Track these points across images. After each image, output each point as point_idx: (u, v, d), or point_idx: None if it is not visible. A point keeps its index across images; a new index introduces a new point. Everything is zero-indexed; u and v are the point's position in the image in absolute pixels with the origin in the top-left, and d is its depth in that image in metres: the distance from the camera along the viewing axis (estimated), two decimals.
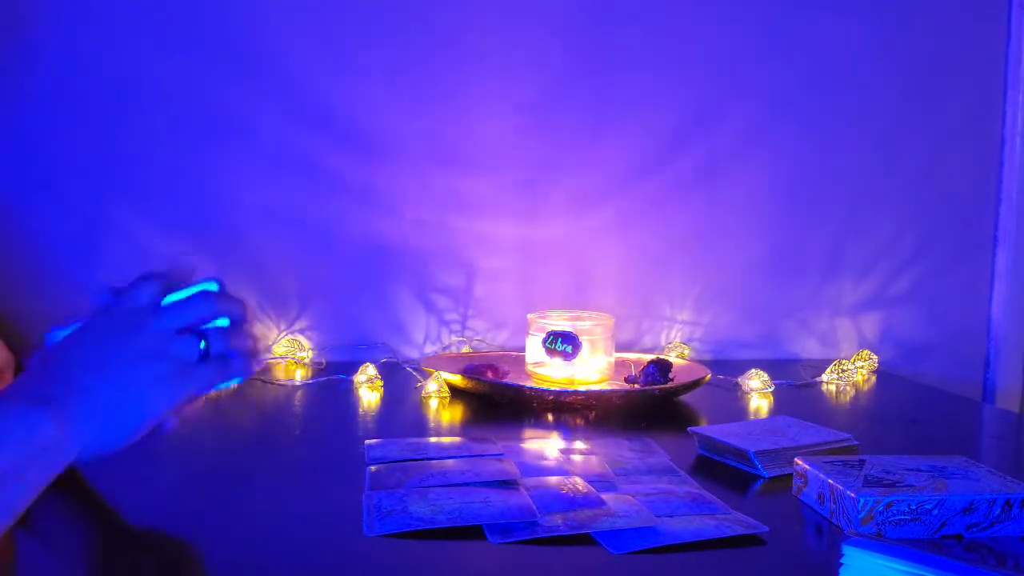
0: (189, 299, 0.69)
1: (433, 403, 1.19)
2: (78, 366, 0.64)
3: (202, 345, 0.68)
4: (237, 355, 0.70)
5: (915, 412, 1.25)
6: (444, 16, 1.42)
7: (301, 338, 1.42)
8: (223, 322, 0.71)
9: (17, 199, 1.35)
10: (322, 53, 1.40)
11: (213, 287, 0.71)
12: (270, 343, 1.42)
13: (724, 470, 0.91)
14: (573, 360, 1.21)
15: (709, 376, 1.23)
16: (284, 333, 1.42)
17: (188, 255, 1.36)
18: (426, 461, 0.89)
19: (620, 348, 1.35)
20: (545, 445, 0.98)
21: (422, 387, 1.22)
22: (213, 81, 1.37)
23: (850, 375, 1.39)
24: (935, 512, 0.73)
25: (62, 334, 0.68)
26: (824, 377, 1.37)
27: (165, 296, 0.69)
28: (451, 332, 1.47)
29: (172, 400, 0.66)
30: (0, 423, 0.58)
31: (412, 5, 1.41)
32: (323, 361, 1.41)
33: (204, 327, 0.69)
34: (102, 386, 0.63)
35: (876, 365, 1.45)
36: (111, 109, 1.35)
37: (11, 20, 1.32)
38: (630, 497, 0.80)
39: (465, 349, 1.45)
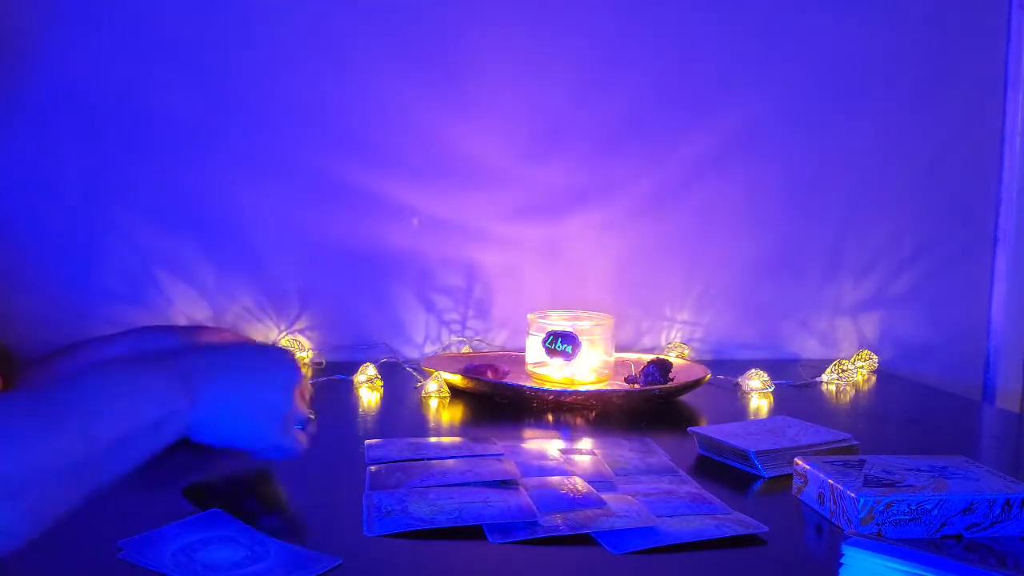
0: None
1: (433, 403, 1.19)
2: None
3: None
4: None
5: (915, 412, 1.25)
6: (446, 21, 1.41)
7: (301, 338, 1.42)
8: None
9: (16, 200, 1.35)
10: (325, 54, 1.39)
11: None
12: (270, 343, 1.42)
13: (724, 470, 0.91)
14: (573, 360, 1.21)
15: (709, 376, 1.23)
16: (284, 333, 1.42)
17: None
18: (426, 461, 0.89)
19: (620, 348, 1.35)
20: (545, 445, 0.99)
21: (422, 387, 1.22)
22: (214, 82, 1.37)
23: (850, 375, 1.39)
24: (935, 512, 0.73)
25: None
26: (824, 377, 1.37)
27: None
28: (451, 332, 1.47)
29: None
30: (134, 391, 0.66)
31: (416, 8, 1.41)
32: (323, 361, 1.41)
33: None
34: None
35: (876, 365, 1.45)
36: (110, 110, 1.35)
37: (11, 24, 1.32)
38: (630, 497, 0.80)
39: (465, 349, 1.45)
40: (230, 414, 0.73)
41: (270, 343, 0.83)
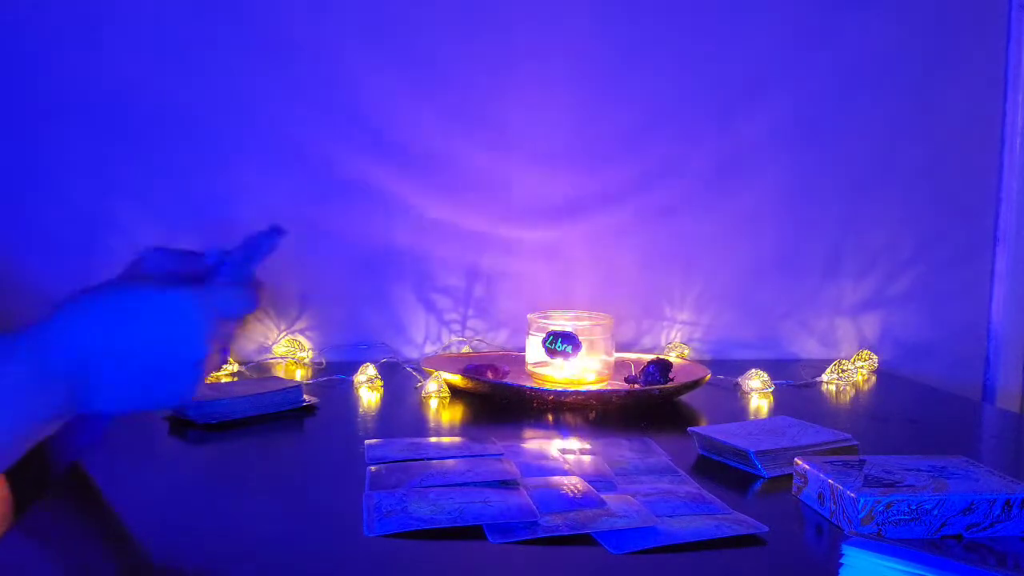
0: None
1: (433, 403, 1.19)
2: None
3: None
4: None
5: (915, 412, 1.25)
6: (451, 25, 1.41)
7: (301, 338, 1.42)
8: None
9: (18, 196, 1.35)
10: (327, 56, 1.40)
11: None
12: (270, 343, 1.42)
13: (724, 470, 0.91)
14: (573, 360, 1.21)
15: (709, 376, 1.23)
16: (284, 333, 1.42)
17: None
18: (426, 461, 0.89)
19: (620, 348, 1.35)
20: (545, 445, 0.98)
21: (422, 387, 1.22)
22: (215, 79, 1.37)
23: (850, 375, 1.39)
24: (935, 512, 0.73)
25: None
26: (824, 377, 1.37)
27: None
28: (451, 332, 1.47)
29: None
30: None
31: (421, 12, 1.41)
32: (323, 361, 1.41)
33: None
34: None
35: (876, 365, 1.45)
36: (112, 106, 1.35)
37: (11, 22, 1.32)
38: (630, 497, 0.80)
39: (465, 349, 1.45)
40: (127, 401, 0.64)
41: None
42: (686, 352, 1.47)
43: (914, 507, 0.73)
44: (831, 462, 0.82)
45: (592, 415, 1.14)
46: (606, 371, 1.24)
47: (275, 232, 0.77)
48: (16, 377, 0.58)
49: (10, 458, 0.58)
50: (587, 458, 0.94)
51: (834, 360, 1.41)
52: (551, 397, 1.16)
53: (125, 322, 0.64)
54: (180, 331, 0.65)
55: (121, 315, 0.64)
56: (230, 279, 0.72)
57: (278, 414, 1.10)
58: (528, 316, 1.27)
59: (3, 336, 0.60)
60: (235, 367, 1.34)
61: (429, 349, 1.46)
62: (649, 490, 0.83)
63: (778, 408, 1.20)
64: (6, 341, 0.59)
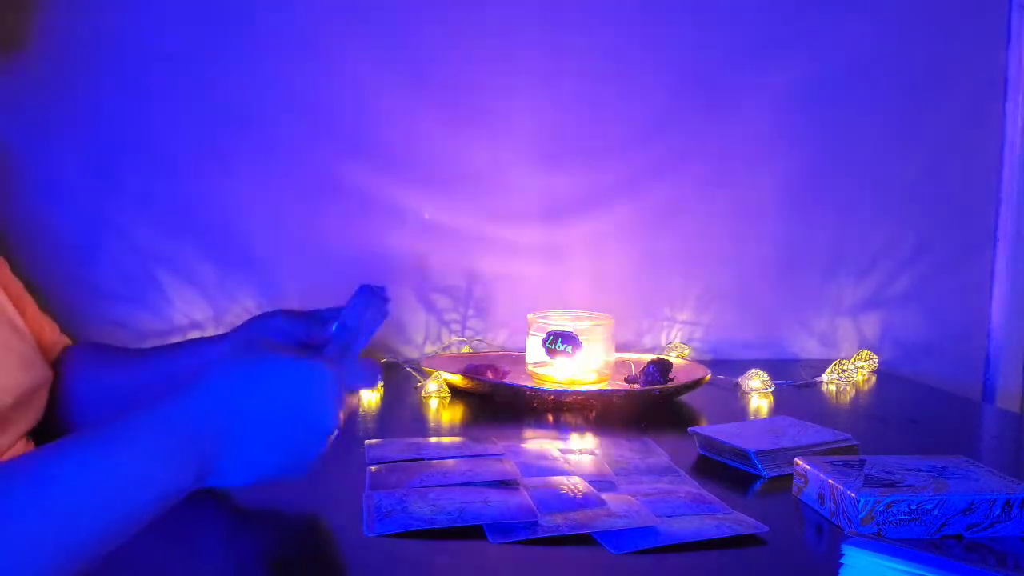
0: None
1: (433, 403, 1.19)
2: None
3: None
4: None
5: (915, 412, 1.25)
6: (448, 29, 1.41)
7: None
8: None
9: (18, 197, 1.35)
10: (326, 60, 1.39)
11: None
12: None
13: (724, 470, 0.92)
14: (573, 360, 1.21)
15: (709, 376, 1.23)
16: None
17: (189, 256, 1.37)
18: (426, 461, 0.89)
19: (620, 348, 1.34)
20: (545, 445, 0.98)
21: (422, 387, 1.22)
22: (216, 82, 1.37)
23: (850, 375, 1.39)
24: (935, 512, 0.73)
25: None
26: (824, 377, 1.37)
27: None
28: (451, 332, 1.47)
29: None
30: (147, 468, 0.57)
31: (419, 16, 1.41)
32: None
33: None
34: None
35: (876, 365, 1.45)
36: (113, 108, 1.35)
37: (16, 19, 1.32)
38: (630, 497, 0.80)
39: (465, 349, 1.45)
40: (257, 473, 0.64)
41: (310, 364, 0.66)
42: (686, 352, 1.47)
43: (914, 507, 0.73)
44: (831, 462, 0.82)
45: (592, 415, 1.14)
46: (606, 371, 1.24)
47: (384, 305, 0.77)
48: (157, 449, 0.58)
49: (132, 531, 0.57)
50: (587, 458, 0.94)
51: (834, 360, 1.41)
52: (551, 397, 1.16)
53: (260, 393, 0.63)
54: (314, 402, 0.65)
55: (256, 386, 0.63)
56: (348, 348, 0.72)
57: None
58: (528, 316, 1.27)
59: (142, 409, 0.59)
60: None
61: (429, 349, 1.46)
62: (649, 490, 0.83)
63: (778, 408, 1.20)
64: (145, 414, 0.59)
